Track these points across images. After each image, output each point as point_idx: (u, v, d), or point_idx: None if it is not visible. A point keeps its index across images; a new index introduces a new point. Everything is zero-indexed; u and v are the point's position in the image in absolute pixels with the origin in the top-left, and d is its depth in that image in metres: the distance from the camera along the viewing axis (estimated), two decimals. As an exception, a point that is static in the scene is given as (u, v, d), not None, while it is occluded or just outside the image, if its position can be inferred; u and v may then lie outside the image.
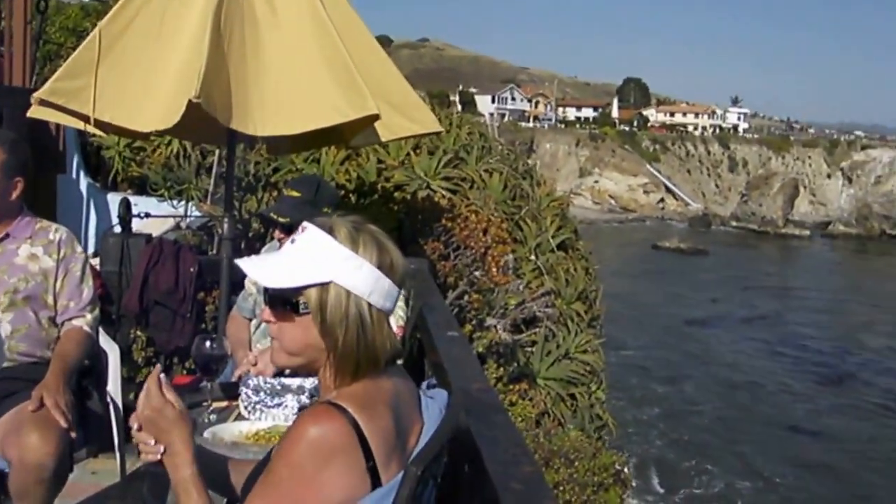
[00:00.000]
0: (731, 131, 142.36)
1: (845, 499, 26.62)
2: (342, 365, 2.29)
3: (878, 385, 38.74)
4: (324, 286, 2.26)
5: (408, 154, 10.92)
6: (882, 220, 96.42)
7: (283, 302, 2.30)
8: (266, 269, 2.35)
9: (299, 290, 2.27)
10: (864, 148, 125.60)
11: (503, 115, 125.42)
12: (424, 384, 2.63)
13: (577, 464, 6.83)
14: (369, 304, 2.28)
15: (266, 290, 2.36)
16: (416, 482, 2.22)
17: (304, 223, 2.33)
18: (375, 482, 2.20)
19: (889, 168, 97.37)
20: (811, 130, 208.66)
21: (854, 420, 34.17)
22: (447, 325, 4.63)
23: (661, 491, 26.05)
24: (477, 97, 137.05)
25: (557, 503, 2.45)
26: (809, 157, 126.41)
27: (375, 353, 2.30)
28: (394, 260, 2.34)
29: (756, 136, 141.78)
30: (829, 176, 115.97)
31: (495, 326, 9.45)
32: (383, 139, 6.48)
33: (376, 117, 5.09)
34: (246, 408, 3.72)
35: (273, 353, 2.42)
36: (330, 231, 2.28)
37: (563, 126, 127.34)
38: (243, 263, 2.36)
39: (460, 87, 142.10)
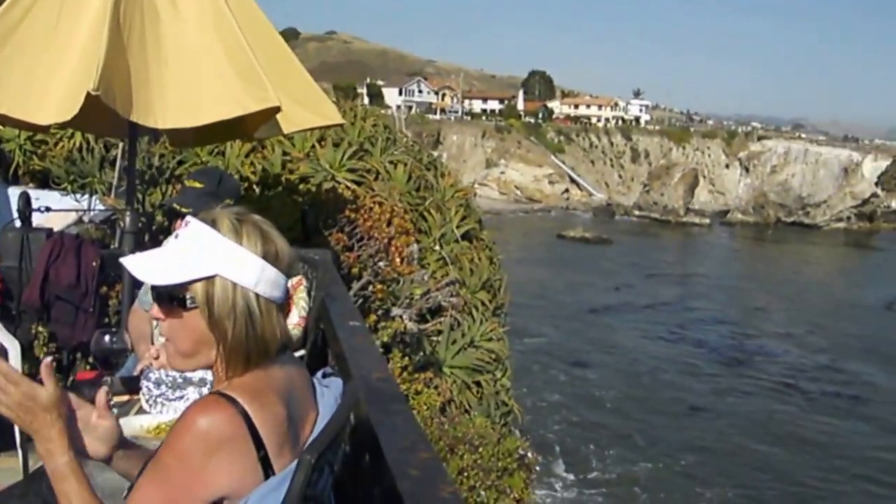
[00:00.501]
0: (634, 123, 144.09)
1: (744, 473, 27.29)
2: (233, 357, 2.27)
3: (773, 366, 39.75)
4: (209, 280, 2.24)
5: (313, 146, 10.90)
6: (777, 208, 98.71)
7: (170, 298, 2.27)
8: (150, 266, 2.30)
9: (185, 286, 2.25)
10: (760, 139, 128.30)
11: (410, 108, 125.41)
12: (320, 373, 2.65)
13: (481, 450, 6.91)
14: (257, 295, 2.27)
15: (153, 286, 2.31)
16: (310, 470, 2.23)
17: (188, 217, 2.32)
18: (268, 472, 2.19)
19: (784, 158, 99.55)
20: (710, 122, 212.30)
21: (750, 400, 35.02)
22: (349, 315, 4.66)
23: (565, 475, 26.40)
24: (384, 90, 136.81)
25: (454, 487, 2.47)
26: (709, 148, 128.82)
27: (265, 343, 2.30)
28: (279, 249, 2.33)
29: (657, 127, 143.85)
30: (727, 166, 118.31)
31: (401, 316, 9.49)
32: (285, 131, 6.49)
33: (277, 109, 5.09)
34: (147, 401, 3.71)
35: (168, 357, 2.38)
36: (213, 224, 2.26)
37: (469, 118, 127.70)
38: (127, 262, 2.32)
39: (368, 80, 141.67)
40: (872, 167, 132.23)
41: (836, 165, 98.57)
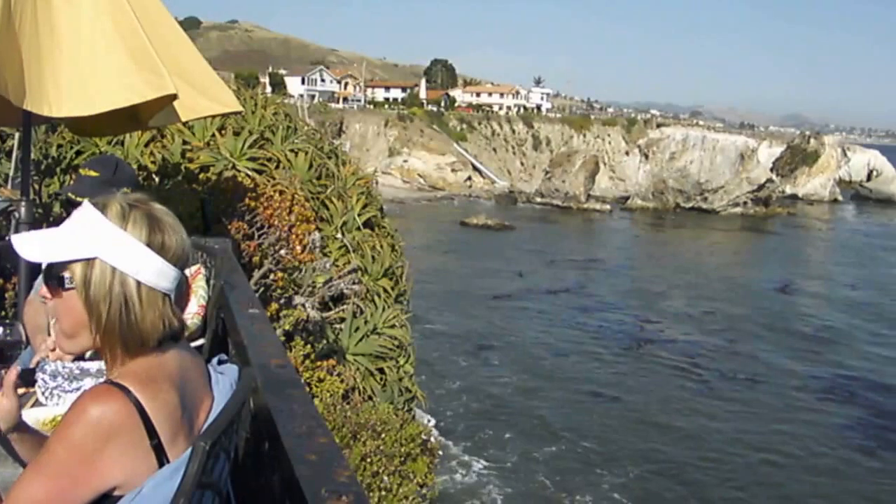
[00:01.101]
0: (535, 111, 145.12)
1: (644, 455, 27.79)
2: (107, 341, 2.28)
3: (672, 349, 40.51)
4: (89, 262, 2.24)
5: (213, 135, 10.82)
6: (676, 194, 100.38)
7: (53, 277, 2.29)
8: (34, 243, 2.31)
9: (65, 265, 2.25)
10: (659, 126, 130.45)
11: (313, 97, 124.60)
12: (215, 360, 2.65)
13: (384, 436, 6.94)
14: (138, 283, 2.27)
15: (43, 266, 2.32)
16: (204, 457, 2.23)
17: (85, 201, 2.32)
18: (162, 460, 2.19)
19: (682, 145, 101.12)
20: (610, 110, 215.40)
21: (650, 382, 35.69)
22: (249, 303, 4.65)
23: (467, 459, 26.59)
24: (287, 78, 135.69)
25: (352, 471, 2.50)
26: (609, 136, 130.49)
27: (142, 332, 2.29)
28: (166, 240, 2.32)
29: (559, 115, 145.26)
30: (627, 153, 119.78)
31: (303, 305, 9.47)
32: (183, 119, 6.42)
33: (174, 97, 5.04)
34: (43, 393, 3.66)
35: (55, 337, 2.40)
36: (102, 208, 2.27)
37: (372, 107, 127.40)
38: (15, 239, 2.32)
39: (270, 69, 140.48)
40: (768, 153, 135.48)
41: (733, 152, 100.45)
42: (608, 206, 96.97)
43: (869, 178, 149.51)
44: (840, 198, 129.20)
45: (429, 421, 11.25)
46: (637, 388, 35.13)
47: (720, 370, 38.03)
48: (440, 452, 8.68)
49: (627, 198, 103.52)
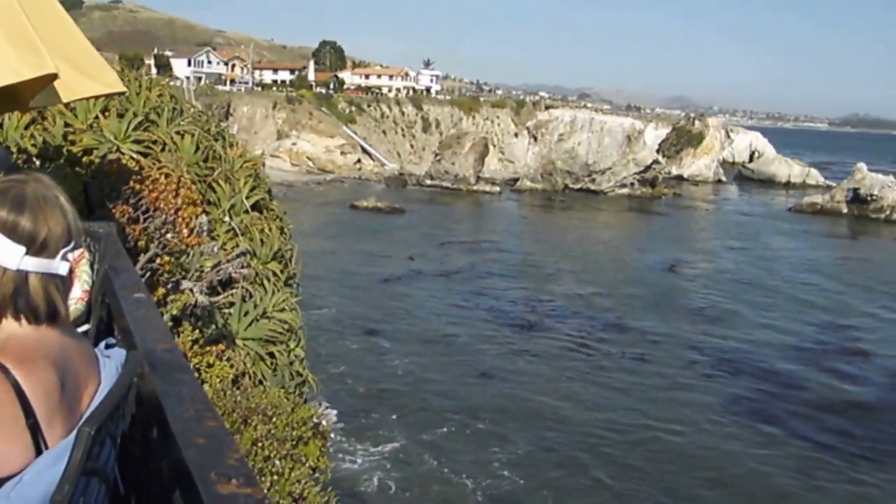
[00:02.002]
0: (424, 93, 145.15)
1: (536, 433, 28.17)
2: None
3: (563, 328, 41.10)
4: None
5: (96, 117, 10.57)
6: (565, 175, 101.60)
7: None
8: None
9: None
10: (548, 108, 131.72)
11: (199, 79, 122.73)
12: (102, 344, 2.61)
13: (275, 420, 6.90)
14: None
15: None
16: (89, 442, 2.20)
17: None
18: (38, 440, 2.16)
19: (570, 127, 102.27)
20: (500, 92, 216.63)
21: (542, 362, 36.17)
22: (134, 287, 4.57)
23: (358, 443, 26.59)
24: (173, 60, 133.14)
25: (241, 454, 2.47)
26: (498, 117, 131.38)
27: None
28: (13, 219, 2.31)
29: (448, 97, 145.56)
30: (516, 135, 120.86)
31: (191, 289, 9.35)
32: (64, 100, 6.26)
33: (54, 77, 4.91)
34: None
35: None
36: None
37: (260, 89, 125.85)
38: None
39: (155, 51, 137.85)
40: (654, 135, 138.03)
41: (620, 133, 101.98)
42: (497, 188, 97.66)
43: (751, 159, 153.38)
44: (724, 178, 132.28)
45: (320, 404, 11.21)
46: (528, 368, 35.54)
47: (610, 349, 38.69)
48: (332, 436, 8.65)
49: (516, 179, 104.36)
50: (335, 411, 28.61)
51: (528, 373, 34.81)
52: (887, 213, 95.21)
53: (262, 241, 11.34)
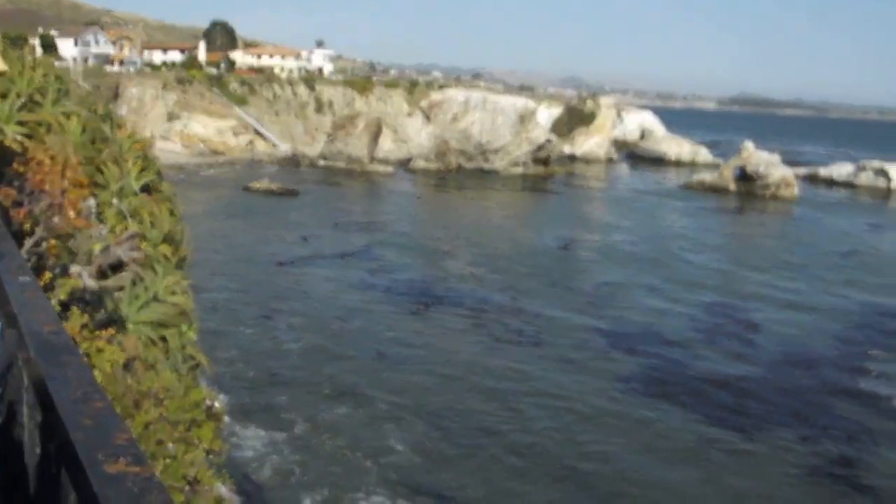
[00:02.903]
0: (317, 73, 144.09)
1: (433, 411, 28.31)
2: None
3: (459, 308, 41.39)
4: None
5: (-25, 97, 10.30)
6: (458, 154, 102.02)
7: None
8: None
9: None
10: (441, 88, 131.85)
11: (87, 59, 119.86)
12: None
13: (167, 403, 6.84)
14: None
15: None
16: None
17: None
18: None
19: (464, 107, 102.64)
20: (393, 72, 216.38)
21: (439, 341, 36.37)
22: (19, 271, 4.49)
23: (254, 426, 26.43)
24: (58, 40, 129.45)
25: (130, 434, 2.45)
26: (391, 98, 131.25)
27: None
28: None
29: (341, 77, 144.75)
30: (409, 115, 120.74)
31: (79, 273, 9.18)
32: (-59, 80, 6.11)
33: (-70, 57, 4.79)
34: None
35: None
36: None
37: (149, 70, 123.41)
38: None
39: (40, 30, 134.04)
40: (547, 114, 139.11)
41: (513, 113, 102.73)
42: (391, 169, 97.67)
43: (642, 137, 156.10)
44: (615, 157, 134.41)
45: (215, 387, 11.12)
46: (424, 347, 35.68)
47: (505, 327, 39.05)
48: (227, 418, 8.59)
49: (410, 159, 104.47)
50: (231, 394, 28.43)
51: (425, 352, 34.96)
52: (773, 189, 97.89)
53: (151, 223, 11.18)
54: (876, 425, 30.71)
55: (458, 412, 29.12)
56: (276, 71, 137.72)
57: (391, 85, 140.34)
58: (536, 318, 40.82)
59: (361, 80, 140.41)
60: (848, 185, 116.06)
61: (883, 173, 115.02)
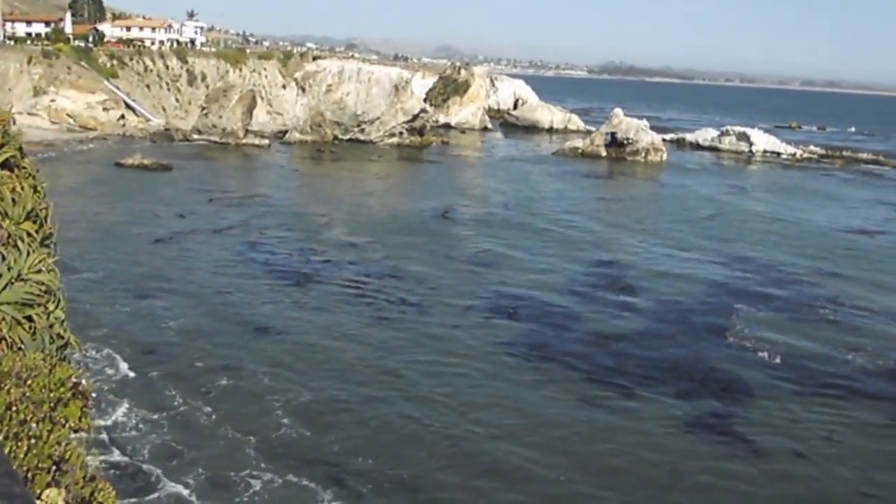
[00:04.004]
0: (189, 45, 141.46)
1: (317, 381, 28.24)
2: None
3: (340, 279, 41.38)
4: None
5: None
6: (334, 126, 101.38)
7: None
8: None
9: None
10: (315, 59, 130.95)
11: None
12: None
13: (30, 382, 6.70)
14: None
15: None
16: None
17: None
18: None
19: (338, 77, 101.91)
20: (266, 43, 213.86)
21: (321, 313, 36.27)
22: None
23: (135, 406, 26.05)
24: None
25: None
26: (265, 69, 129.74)
27: None
28: None
29: (213, 49, 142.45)
30: (284, 87, 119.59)
31: (-64, 254, 8.91)
32: None
33: None
34: None
35: None
36: None
37: (12, 43, 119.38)
38: None
39: None
40: (421, 84, 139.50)
41: (388, 83, 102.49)
42: (267, 141, 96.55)
43: (515, 106, 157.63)
44: (490, 126, 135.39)
45: (86, 366, 10.94)
46: (306, 319, 35.56)
47: (388, 297, 39.18)
48: (94, 395, 8.46)
49: (286, 132, 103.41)
50: (104, 373, 27.95)
51: (307, 324, 34.86)
52: (642, 154, 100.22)
53: (13, 200, 10.88)
54: (746, 375, 32.18)
55: (343, 382, 29.14)
56: (147, 43, 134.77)
57: (265, 56, 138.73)
58: (419, 287, 41.02)
59: (234, 52, 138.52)
60: (713, 149, 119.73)
61: (745, 137, 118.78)
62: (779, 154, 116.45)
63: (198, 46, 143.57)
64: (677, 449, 25.80)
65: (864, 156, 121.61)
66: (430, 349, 32.84)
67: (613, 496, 22.79)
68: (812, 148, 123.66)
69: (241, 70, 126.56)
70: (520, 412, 27.69)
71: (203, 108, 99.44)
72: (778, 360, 33.73)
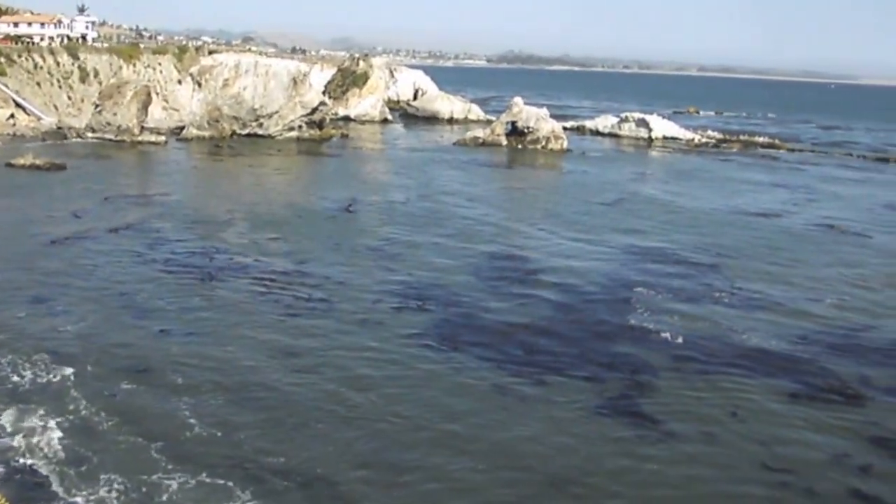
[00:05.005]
0: (80, 41, 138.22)
1: (222, 381, 27.81)
2: None
3: (245, 276, 40.88)
4: None
5: None
6: (232, 121, 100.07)
7: None
8: None
9: None
10: (211, 53, 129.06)
11: None
12: None
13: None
14: None
15: None
16: None
17: None
18: None
19: (235, 71, 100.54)
20: (161, 38, 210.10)
21: (225, 311, 35.75)
22: None
23: (30, 414, 25.40)
24: None
25: None
26: (160, 64, 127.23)
27: None
28: None
29: (106, 45, 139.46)
30: (179, 82, 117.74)
31: None
32: None
33: None
34: None
35: None
36: None
37: None
38: None
39: None
40: (320, 77, 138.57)
41: (286, 76, 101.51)
42: (163, 138, 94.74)
43: (415, 97, 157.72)
44: (390, 117, 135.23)
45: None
46: (212, 318, 35.05)
47: (295, 292, 38.87)
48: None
49: (182, 128, 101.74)
50: (7, 378, 27.26)
51: (213, 323, 34.36)
52: (543, 143, 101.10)
53: None
54: (651, 358, 32.88)
55: (254, 380, 28.83)
56: (36, 39, 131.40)
57: (159, 51, 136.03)
58: (326, 281, 40.78)
59: (128, 48, 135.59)
60: (613, 135, 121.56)
61: (644, 124, 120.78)
62: (677, 139, 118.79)
63: (89, 42, 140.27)
64: (590, 434, 26.17)
65: (760, 140, 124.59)
66: (340, 344, 32.68)
67: (528, 484, 22.95)
68: (710, 133, 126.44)
69: (135, 65, 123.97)
70: (432, 404, 27.75)
71: (97, 106, 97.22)
72: (680, 341, 34.67)
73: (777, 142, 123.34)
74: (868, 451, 26.10)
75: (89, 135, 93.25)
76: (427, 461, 23.91)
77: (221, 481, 22.13)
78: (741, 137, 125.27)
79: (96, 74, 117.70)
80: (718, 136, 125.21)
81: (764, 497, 22.99)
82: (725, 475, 24.05)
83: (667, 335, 35.16)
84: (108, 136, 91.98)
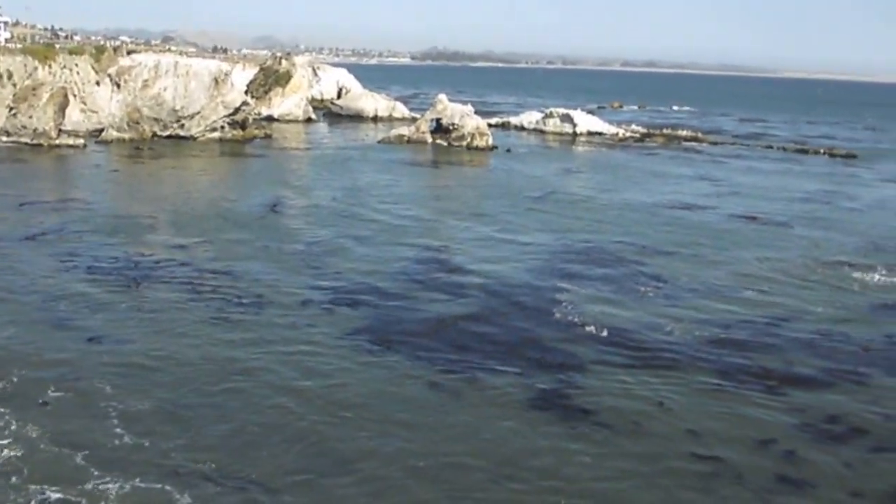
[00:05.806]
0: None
1: (153, 387, 27.42)
2: None
3: (172, 282, 40.46)
4: None
5: None
6: (153, 122, 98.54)
7: None
8: None
9: None
10: (129, 53, 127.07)
11: None
12: None
13: None
14: None
15: None
16: None
17: None
18: None
19: (155, 72, 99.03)
20: (77, 38, 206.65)
21: (153, 318, 35.24)
22: None
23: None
24: None
25: None
26: (77, 65, 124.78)
27: None
28: None
29: (19, 45, 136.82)
30: (98, 83, 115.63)
31: None
32: None
33: None
34: None
35: None
36: None
37: None
38: None
39: None
40: (242, 76, 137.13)
41: (207, 76, 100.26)
42: (82, 141, 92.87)
43: (339, 95, 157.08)
44: (314, 116, 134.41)
45: None
46: (142, 324, 34.54)
47: (224, 296, 38.50)
48: None
49: (101, 130, 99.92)
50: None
51: (142, 329, 33.87)
52: (468, 139, 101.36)
53: None
54: (578, 351, 33.34)
55: (185, 386, 28.54)
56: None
57: (76, 52, 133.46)
58: (254, 284, 40.51)
59: (43, 48, 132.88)
60: (538, 131, 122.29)
61: (569, 119, 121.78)
62: (602, 134, 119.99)
63: (2, 43, 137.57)
64: (521, 428, 26.35)
65: (683, 133, 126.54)
66: (272, 345, 32.58)
67: (462, 479, 23.10)
68: (634, 127, 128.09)
69: (50, 67, 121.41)
70: (366, 405, 27.70)
71: (11, 109, 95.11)
72: (605, 334, 35.24)
73: (699, 135, 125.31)
74: (792, 437, 26.78)
75: (4, 139, 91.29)
76: (362, 463, 23.85)
77: (158, 485, 21.86)
78: (664, 131, 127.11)
79: (10, 76, 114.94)
80: (642, 130, 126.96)
81: (694, 486, 23.33)
82: (655, 466, 24.38)
83: (592, 328, 35.79)
84: (23, 139, 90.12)
